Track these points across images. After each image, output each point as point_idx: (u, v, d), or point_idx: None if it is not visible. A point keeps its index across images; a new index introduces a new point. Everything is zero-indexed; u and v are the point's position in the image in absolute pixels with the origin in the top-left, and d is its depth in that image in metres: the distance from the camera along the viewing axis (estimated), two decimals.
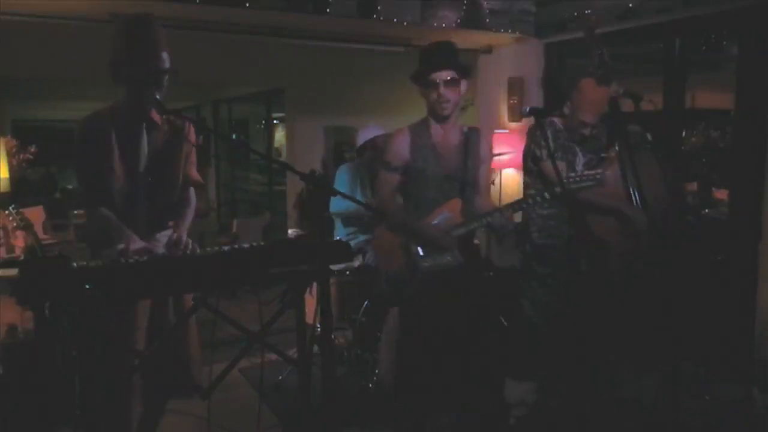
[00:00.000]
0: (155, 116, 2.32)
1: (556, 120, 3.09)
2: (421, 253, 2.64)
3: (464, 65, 2.63)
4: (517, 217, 2.93)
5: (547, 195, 2.63)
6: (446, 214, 2.65)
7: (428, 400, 2.90)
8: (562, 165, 2.66)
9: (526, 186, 3.17)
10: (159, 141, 2.34)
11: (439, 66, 2.56)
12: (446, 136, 2.69)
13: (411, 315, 2.78)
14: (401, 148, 2.66)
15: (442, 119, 2.67)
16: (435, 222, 2.66)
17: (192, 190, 2.53)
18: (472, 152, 2.70)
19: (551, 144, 2.85)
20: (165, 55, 2.19)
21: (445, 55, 2.60)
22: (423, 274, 2.62)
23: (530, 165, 3.10)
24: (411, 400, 2.83)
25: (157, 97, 2.16)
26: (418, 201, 2.70)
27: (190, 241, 2.27)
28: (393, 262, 2.69)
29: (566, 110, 3.08)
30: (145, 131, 2.31)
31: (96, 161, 2.25)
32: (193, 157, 2.51)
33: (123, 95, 2.25)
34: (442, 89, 2.56)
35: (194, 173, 2.53)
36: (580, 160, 3.09)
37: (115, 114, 2.28)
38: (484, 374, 3.07)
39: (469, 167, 2.70)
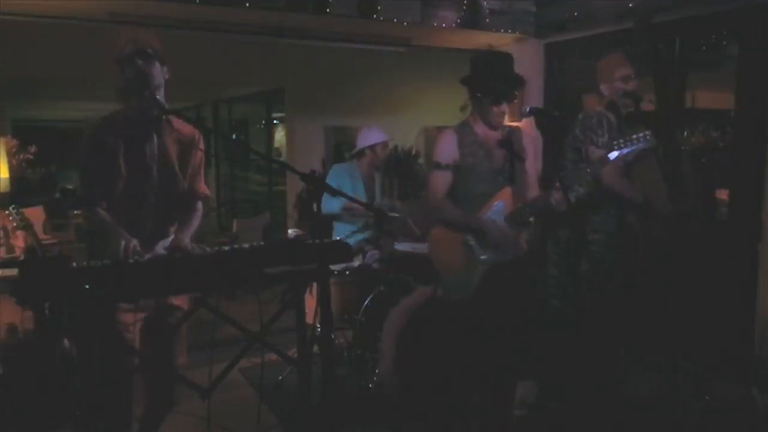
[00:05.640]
0: (166, 125, 2.31)
1: (606, 112, 3.11)
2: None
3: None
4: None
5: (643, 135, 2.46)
6: (501, 204, 2.73)
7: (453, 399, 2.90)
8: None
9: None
10: (168, 149, 2.32)
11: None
12: (490, 134, 2.78)
13: (472, 310, 2.76)
14: (450, 147, 2.73)
15: (495, 125, 2.76)
16: (492, 212, 2.71)
17: (200, 204, 2.49)
18: (517, 148, 2.78)
19: (605, 134, 2.95)
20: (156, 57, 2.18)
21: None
22: (484, 268, 2.68)
23: (573, 155, 3.13)
24: (420, 399, 2.83)
25: (158, 98, 2.14)
26: (470, 196, 2.75)
27: (194, 245, 2.25)
28: (453, 259, 2.74)
29: (603, 91, 3.14)
30: (155, 138, 2.29)
31: (101, 168, 2.24)
32: (202, 169, 2.48)
33: (129, 102, 2.23)
34: (505, 107, 2.70)
35: (202, 186, 2.49)
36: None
37: (124, 120, 2.27)
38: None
39: (515, 162, 2.78)
